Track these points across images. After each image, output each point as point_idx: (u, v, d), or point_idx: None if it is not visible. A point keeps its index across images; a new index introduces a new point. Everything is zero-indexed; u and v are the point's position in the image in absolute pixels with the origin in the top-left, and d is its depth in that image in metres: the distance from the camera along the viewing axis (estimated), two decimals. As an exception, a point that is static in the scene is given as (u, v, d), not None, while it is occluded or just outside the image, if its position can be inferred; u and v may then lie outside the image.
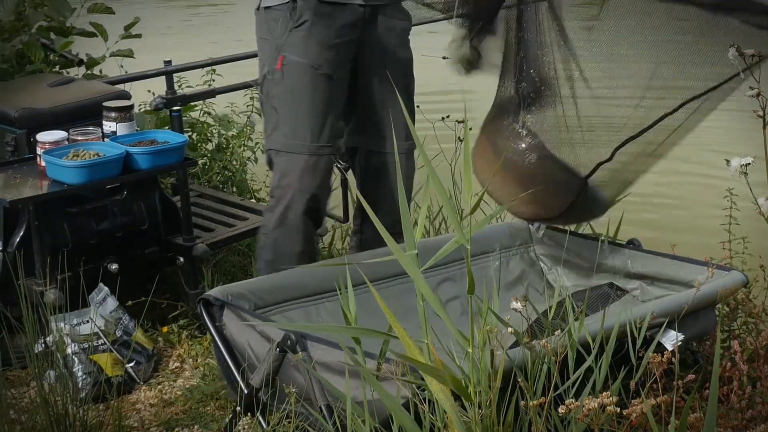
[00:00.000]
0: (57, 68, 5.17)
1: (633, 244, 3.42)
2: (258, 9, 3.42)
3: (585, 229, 3.73)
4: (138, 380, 3.57)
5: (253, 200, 4.88)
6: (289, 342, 2.74)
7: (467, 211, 2.15)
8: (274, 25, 3.34)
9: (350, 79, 3.40)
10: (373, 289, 2.20)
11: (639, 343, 2.52)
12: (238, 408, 2.83)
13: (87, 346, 3.46)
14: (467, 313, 2.24)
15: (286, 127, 3.32)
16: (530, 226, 3.63)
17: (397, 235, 2.47)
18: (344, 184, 4.07)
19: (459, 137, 4.40)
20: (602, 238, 3.48)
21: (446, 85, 4.28)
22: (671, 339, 2.73)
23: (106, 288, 3.61)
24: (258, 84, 3.46)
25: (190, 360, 3.74)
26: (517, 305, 2.30)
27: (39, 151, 3.66)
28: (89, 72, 5.16)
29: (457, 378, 2.09)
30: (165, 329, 3.92)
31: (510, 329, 2.25)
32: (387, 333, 2.20)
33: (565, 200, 3.20)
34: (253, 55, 3.69)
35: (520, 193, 3.16)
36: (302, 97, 3.30)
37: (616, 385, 2.37)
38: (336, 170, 3.74)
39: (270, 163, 3.42)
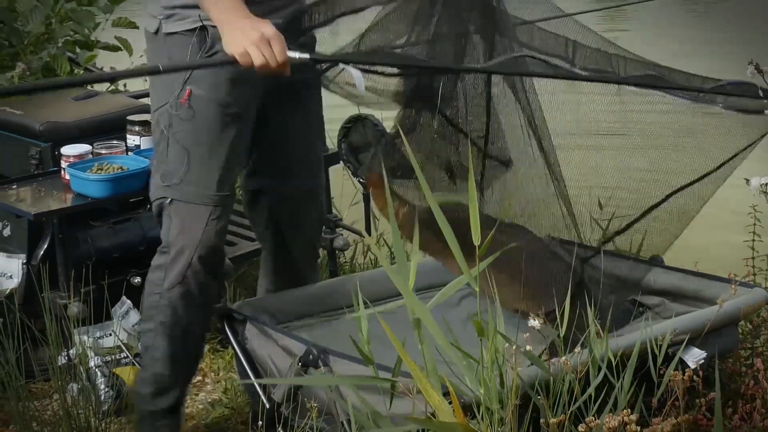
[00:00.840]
0: (82, 82, 5.21)
1: (655, 261, 3.41)
2: (156, 33, 2.97)
3: (608, 245, 3.71)
4: (160, 394, 3.57)
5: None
6: (311, 357, 2.75)
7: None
8: (177, 52, 2.91)
9: (259, 114, 3.05)
10: (384, 322, 2.16)
11: (660, 360, 2.51)
12: (260, 422, 2.83)
13: (110, 359, 3.47)
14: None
15: (192, 174, 2.92)
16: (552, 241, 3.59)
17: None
18: (366, 198, 4.08)
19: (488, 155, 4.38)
20: (625, 254, 3.46)
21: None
22: (694, 356, 2.72)
23: (129, 301, 3.62)
24: (156, 113, 3.00)
25: (212, 374, 3.74)
26: (535, 323, 2.29)
27: (63, 164, 3.68)
28: (113, 86, 5.20)
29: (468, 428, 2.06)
30: (188, 342, 3.93)
31: (524, 348, 2.22)
32: (393, 379, 2.17)
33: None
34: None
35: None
36: (211, 141, 2.92)
37: (635, 402, 2.37)
38: (359, 185, 3.72)
39: (161, 211, 3.01)
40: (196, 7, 2.85)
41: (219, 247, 3.01)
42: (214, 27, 2.82)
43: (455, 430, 2.01)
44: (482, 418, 2.11)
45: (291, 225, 3.23)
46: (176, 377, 3.08)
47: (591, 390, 2.32)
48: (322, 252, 4.50)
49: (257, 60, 2.64)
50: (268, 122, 3.07)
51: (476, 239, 2.03)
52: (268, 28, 2.67)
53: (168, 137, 2.92)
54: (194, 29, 2.89)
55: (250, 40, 2.64)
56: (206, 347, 3.90)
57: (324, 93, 3.14)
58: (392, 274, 2.08)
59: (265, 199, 3.23)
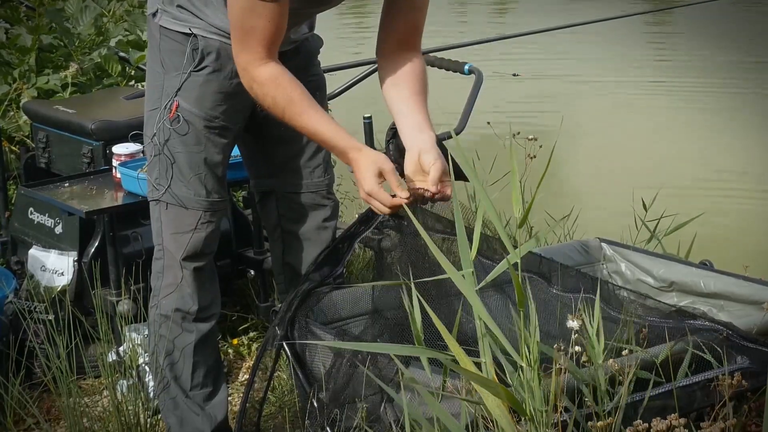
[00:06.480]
0: (132, 82, 5.26)
1: (705, 265, 3.39)
2: (153, 16, 2.93)
3: (656, 248, 3.70)
4: (208, 391, 3.59)
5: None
6: (359, 356, 2.75)
7: (524, 231, 2.13)
8: (170, 56, 2.89)
9: (257, 117, 3.01)
10: (430, 310, 2.17)
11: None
12: (308, 421, 2.84)
13: (159, 356, 3.50)
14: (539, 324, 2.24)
15: (180, 181, 2.93)
16: (602, 243, 3.58)
17: None
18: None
19: (529, 155, 4.37)
20: (675, 256, 3.45)
21: (516, 102, 4.23)
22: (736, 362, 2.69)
23: (178, 299, 3.65)
24: (148, 114, 2.99)
25: (260, 372, 3.76)
26: (574, 324, 2.27)
27: (114, 163, 3.72)
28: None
29: (510, 392, 2.07)
30: (235, 341, 3.96)
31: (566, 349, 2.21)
32: (446, 353, 2.19)
33: None
34: (329, 69, 3.69)
35: None
36: (197, 151, 2.91)
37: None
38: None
39: (155, 216, 3.03)
40: (189, 11, 2.84)
41: (208, 252, 3.00)
42: (204, 37, 2.84)
43: (493, 387, 2.01)
44: (530, 419, 2.11)
45: (299, 225, 3.18)
46: (196, 399, 3.10)
47: (612, 393, 2.31)
48: (369, 252, 4.52)
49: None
50: (272, 123, 2.94)
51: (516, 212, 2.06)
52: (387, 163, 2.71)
53: (157, 145, 2.93)
54: (186, 34, 2.86)
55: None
56: (254, 346, 3.93)
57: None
58: (444, 261, 2.10)
59: (273, 200, 3.19)
